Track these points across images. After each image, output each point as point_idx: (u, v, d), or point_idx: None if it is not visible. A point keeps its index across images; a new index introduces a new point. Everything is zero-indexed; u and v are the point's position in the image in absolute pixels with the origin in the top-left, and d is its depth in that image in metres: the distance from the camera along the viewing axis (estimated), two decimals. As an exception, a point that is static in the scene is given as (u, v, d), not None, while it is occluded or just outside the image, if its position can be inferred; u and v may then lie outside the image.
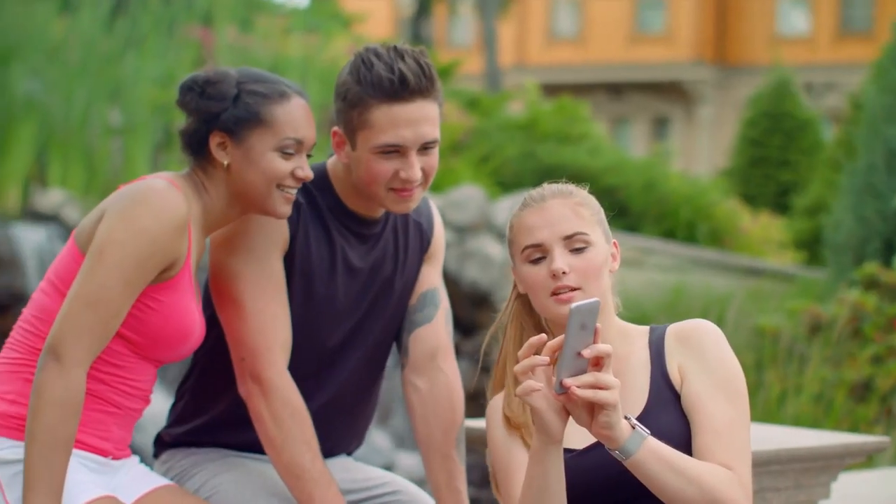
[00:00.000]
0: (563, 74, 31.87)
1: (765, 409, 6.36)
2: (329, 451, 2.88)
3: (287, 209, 2.65)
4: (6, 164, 8.40)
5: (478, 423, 3.13)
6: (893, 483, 4.52)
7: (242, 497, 2.78)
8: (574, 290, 2.42)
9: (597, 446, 2.36)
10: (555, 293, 2.42)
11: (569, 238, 2.44)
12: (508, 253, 2.54)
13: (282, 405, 2.68)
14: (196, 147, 2.64)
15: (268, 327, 2.69)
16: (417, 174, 2.69)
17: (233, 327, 2.72)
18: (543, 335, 2.24)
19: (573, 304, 2.15)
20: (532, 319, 2.55)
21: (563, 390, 2.19)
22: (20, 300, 7.33)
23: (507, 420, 2.48)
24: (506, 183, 12.72)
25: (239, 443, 2.88)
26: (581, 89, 30.12)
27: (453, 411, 2.90)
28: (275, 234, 2.75)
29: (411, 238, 2.92)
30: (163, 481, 2.72)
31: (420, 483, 3.26)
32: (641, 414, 2.40)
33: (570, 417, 2.25)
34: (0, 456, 2.50)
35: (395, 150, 2.68)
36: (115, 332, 2.52)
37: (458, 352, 3.25)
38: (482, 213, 9.70)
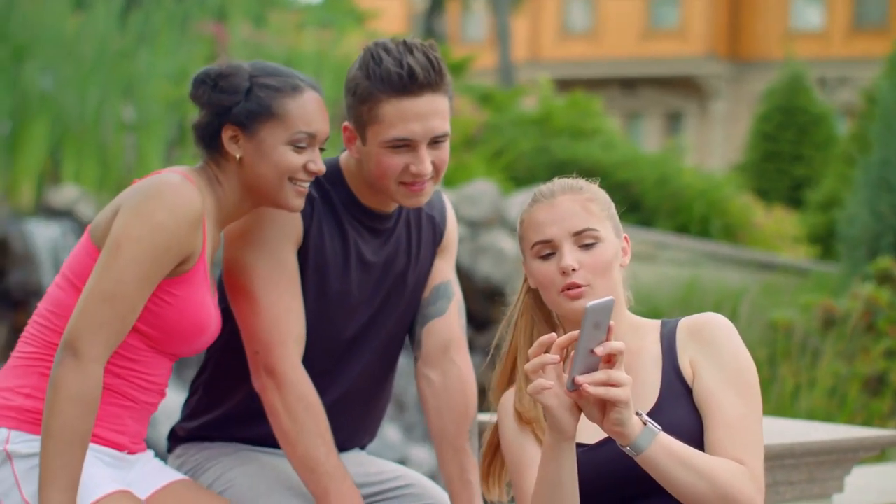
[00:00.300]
0: (577, 69, 31.82)
1: (778, 403, 6.35)
2: (342, 445, 2.88)
3: (299, 202, 2.65)
4: (20, 161, 8.42)
5: (490, 418, 3.13)
6: (907, 477, 4.51)
7: (257, 491, 2.78)
8: (582, 287, 2.41)
9: (609, 441, 2.36)
10: (565, 290, 2.42)
11: (578, 234, 2.44)
12: (519, 248, 2.54)
13: (296, 399, 2.68)
14: (209, 140, 2.64)
15: (281, 321, 2.69)
16: (428, 168, 2.69)
17: (246, 321, 2.72)
18: (553, 334, 2.24)
19: (588, 304, 2.15)
20: (542, 313, 2.54)
21: (576, 387, 2.19)
22: (35, 296, 7.35)
23: (519, 415, 2.48)
24: (519, 178, 12.73)
25: (253, 437, 2.89)
26: (594, 84, 30.07)
27: (466, 404, 2.90)
28: (288, 228, 2.75)
29: (424, 231, 2.92)
30: (177, 476, 2.72)
31: (432, 476, 3.26)
32: (653, 408, 2.39)
33: (582, 414, 2.25)
34: (16, 450, 2.51)
35: (405, 145, 2.67)
36: (132, 326, 2.52)
37: (472, 346, 3.25)
38: (495, 207, 9.70)
